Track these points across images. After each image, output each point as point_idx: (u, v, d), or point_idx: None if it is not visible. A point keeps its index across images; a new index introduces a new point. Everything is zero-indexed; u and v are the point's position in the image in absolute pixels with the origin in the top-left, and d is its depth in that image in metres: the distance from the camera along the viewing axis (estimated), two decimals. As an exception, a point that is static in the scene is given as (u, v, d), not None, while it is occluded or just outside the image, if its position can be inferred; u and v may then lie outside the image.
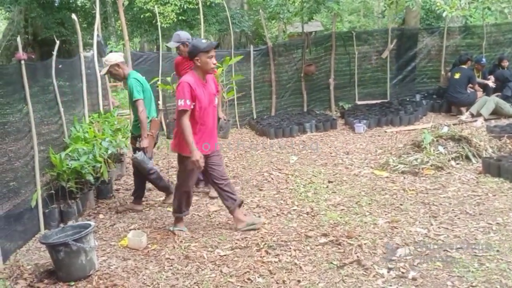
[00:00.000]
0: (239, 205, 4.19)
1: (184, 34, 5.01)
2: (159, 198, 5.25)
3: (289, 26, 16.25)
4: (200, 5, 9.46)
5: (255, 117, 9.59)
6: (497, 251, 3.44)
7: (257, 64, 9.73)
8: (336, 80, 10.15)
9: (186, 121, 3.74)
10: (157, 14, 9.88)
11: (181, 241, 4.00)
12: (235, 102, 9.26)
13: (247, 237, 3.99)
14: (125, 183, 5.99)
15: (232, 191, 4.17)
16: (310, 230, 4.07)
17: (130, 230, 4.31)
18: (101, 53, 7.34)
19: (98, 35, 7.47)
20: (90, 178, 4.90)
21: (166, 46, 10.73)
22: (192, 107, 3.74)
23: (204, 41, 3.85)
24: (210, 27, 14.54)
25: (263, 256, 3.59)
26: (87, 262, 3.46)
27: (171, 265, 3.59)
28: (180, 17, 13.26)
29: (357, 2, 24.31)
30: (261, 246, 3.77)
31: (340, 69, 10.43)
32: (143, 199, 5.05)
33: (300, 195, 5.05)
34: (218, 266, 3.50)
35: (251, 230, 4.09)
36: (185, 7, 13.15)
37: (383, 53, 10.20)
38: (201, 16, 9.25)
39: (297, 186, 5.39)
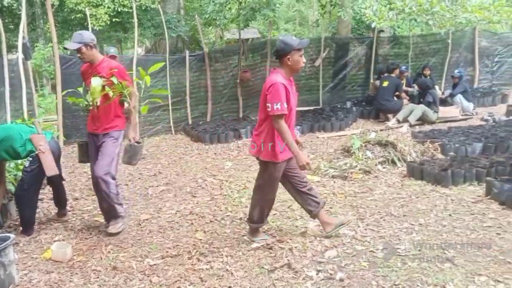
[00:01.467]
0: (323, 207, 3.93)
1: (88, 35, 4.18)
2: (86, 207, 5.04)
3: (226, 33, 16.30)
4: (134, 8, 9.25)
5: (190, 122, 9.50)
6: (419, 250, 3.61)
7: (193, 69, 9.67)
8: (271, 87, 10.28)
9: (284, 124, 3.46)
10: (88, 16, 9.52)
11: (109, 252, 3.85)
12: (170, 108, 9.13)
13: (178, 245, 3.93)
14: (49, 192, 5.68)
15: (315, 194, 3.90)
16: (243, 235, 4.07)
17: (54, 241, 4.09)
18: (27, 56, 6.95)
19: (23, 37, 7.07)
20: (11, 187, 4.61)
21: (64, 48, 10.22)
22: (287, 111, 3.49)
23: (295, 38, 3.67)
24: (145, 31, 14.27)
25: (195, 264, 3.54)
26: (6, 277, 3.25)
27: (98, 277, 3.44)
28: (113, 20, 12.89)
29: (292, 10, 24.93)
30: (193, 254, 3.72)
31: (275, 76, 10.59)
32: (69, 208, 4.82)
33: (234, 201, 5.05)
34: (148, 276, 3.41)
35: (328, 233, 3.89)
36: (119, 9, 12.80)
37: (315, 61, 10.49)
38: (135, 20, 9.04)
39: (231, 192, 5.38)
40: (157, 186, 5.80)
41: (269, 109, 3.46)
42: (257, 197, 3.86)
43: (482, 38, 12.12)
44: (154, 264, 3.59)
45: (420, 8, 8.74)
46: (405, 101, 9.26)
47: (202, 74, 9.79)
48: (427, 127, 8.44)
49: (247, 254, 3.68)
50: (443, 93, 10.10)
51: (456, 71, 9.92)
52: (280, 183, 3.87)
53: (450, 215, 4.37)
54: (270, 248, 3.73)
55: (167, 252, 3.80)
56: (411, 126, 8.49)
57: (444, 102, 9.54)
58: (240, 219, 4.49)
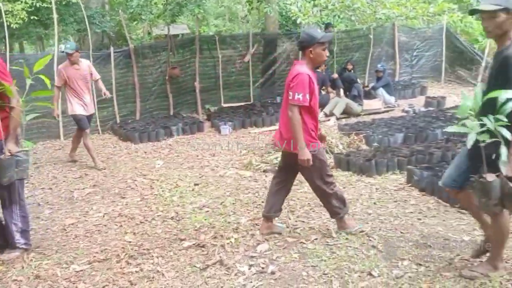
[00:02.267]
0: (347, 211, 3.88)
1: None
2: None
3: (154, 28, 15.93)
4: (53, 3, 8.76)
5: (118, 121, 9.19)
6: (346, 239, 3.75)
7: (119, 66, 9.35)
8: (202, 83, 10.22)
9: (298, 116, 3.45)
10: (3, 12, 8.88)
11: (31, 260, 3.62)
12: (96, 106, 8.76)
13: (106, 249, 3.78)
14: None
15: (342, 193, 3.84)
16: (174, 235, 4.01)
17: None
18: None
19: None
20: None
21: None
22: (308, 103, 3.46)
23: (319, 30, 3.54)
24: (67, 27, 13.55)
25: (124, 267, 3.43)
26: None
27: (19, 287, 3.23)
28: (32, 17, 12.12)
29: (219, 6, 24.83)
30: (122, 257, 3.60)
31: (206, 72, 10.54)
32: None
33: (165, 200, 4.95)
34: (74, 283, 3.25)
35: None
36: (37, 5, 12.05)
37: (245, 57, 10.53)
38: (55, 16, 8.57)
39: (163, 191, 5.28)
40: (83, 188, 5.55)
41: (290, 97, 3.47)
42: (322, 189, 3.72)
43: (401, 33, 12.78)
44: (81, 270, 3.43)
45: (343, 5, 9.06)
46: (332, 95, 9.57)
47: (129, 71, 9.50)
48: (352, 120, 8.77)
49: (179, 253, 3.63)
50: (367, 87, 10.55)
51: (379, 65, 10.39)
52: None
53: (374, 203, 4.58)
54: (202, 246, 3.70)
55: (95, 257, 3.65)
56: (337, 119, 8.78)
57: (368, 95, 9.97)
58: (172, 218, 4.41)
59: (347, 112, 9.09)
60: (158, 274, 3.31)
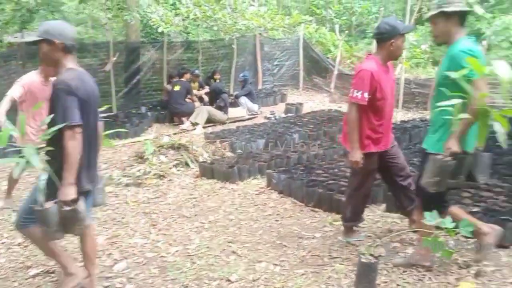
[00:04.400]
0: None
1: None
2: None
3: (8, 36, 14.42)
4: None
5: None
6: (207, 247, 3.76)
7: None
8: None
9: (356, 115, 3.32)
10: None
11: None
12: None
13: None
14: None
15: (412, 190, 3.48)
16: (21, 262, 3.63)
17: None
18: None
19: None
20: None
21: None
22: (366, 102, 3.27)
23: (399, 21, 3.35)
24: None
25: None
26: None
27: None
28: None
29: (83, 13, 23.44)
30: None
31: (62, 82, 9.82)
32: None
33: (11, 225, 4.46)
34: None
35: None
36: None
37: (105, 66, 10.07)
38: None
39: (9, 215, 4.75)
40: None
41: (350, 94, 3.36)
42: (349, 191, 3.64)
43: (263, 44, 13.40)
44: None
45: (204, 15, 9.19)
46: (197, 104, 9.62)
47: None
48: (218, 128, 8.91)
49: (24, 283, 3.29)
50: (232, 95, 10.82)
51: (240, 75, 10.73)
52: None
53: (236, 209, 4.69)
54: (52, 273, 3.40)
55: None
56: (204, 127, 8.85)
57: (233, 104, 10.22)
58: (19, 244, 3.99)
59: (212, 121, 9.21)
60: (-3, 310, 2.96)
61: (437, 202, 2.89)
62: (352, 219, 3.70)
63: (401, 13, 17.09)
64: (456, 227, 2.48)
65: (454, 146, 2.70)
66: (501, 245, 3.39)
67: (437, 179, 2.71)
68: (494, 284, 3.01)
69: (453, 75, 2.56)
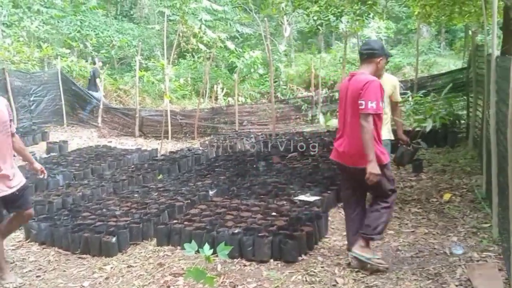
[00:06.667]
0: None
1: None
2: None
3: None
4: None
5: None
6: None
7: None
8: None
9: (371, 125, 3.23)
10: None
11: None
12: None
13: None
14: None
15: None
16: None
17: None
18: None
19: None
20: None
21: None
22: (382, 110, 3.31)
23: None
24: None
25: None
26: None
27: None
28: None
29: None
30: None
31: None
32: None
33: None
34: None
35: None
36: None
37: None
38: None
39: None
40: None
41: (362, 106, 3.23)
42: (385, 207, 3.45)
43: (14, 78, 12.00)
44: None
45: None
46: None
47: None
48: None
49: None
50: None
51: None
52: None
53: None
54: None
55: None
56: None
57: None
58: None
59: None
60: None
61: None
62: (381, 232, 3.51)
63: (160, 47, 17.78)
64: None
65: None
66: (261, 260, 3.76)
67: None
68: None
69: None
